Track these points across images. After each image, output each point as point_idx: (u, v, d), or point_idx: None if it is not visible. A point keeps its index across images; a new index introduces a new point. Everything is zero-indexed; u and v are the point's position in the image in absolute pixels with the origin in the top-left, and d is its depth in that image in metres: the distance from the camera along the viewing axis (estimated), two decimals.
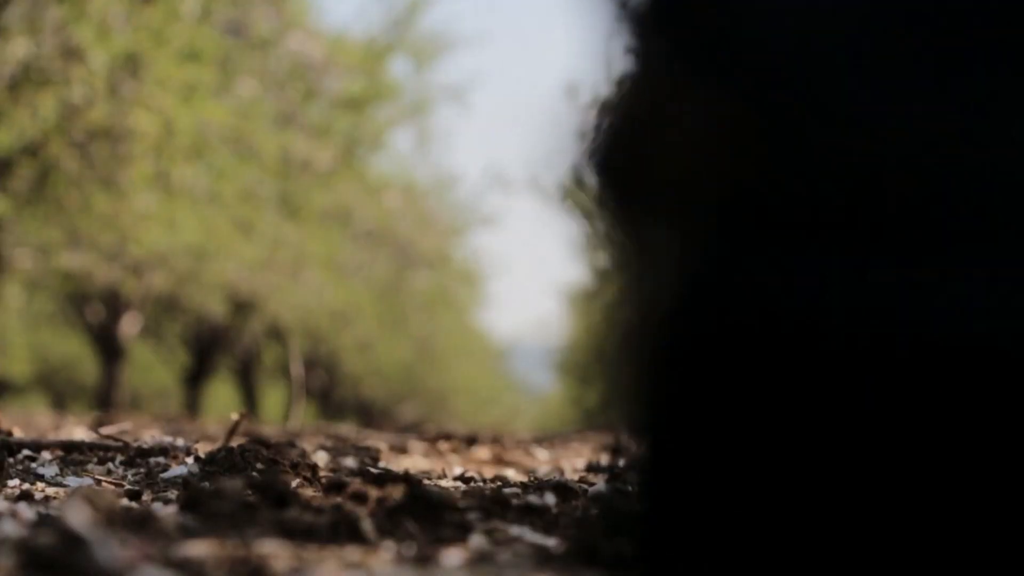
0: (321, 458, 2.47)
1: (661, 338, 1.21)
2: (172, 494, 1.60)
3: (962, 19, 1.05)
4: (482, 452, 3.12)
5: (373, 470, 2.13)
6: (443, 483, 2.01)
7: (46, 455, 2.09)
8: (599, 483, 1.93)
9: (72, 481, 1.86)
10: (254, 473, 1.75)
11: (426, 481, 2.03)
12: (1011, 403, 0.96)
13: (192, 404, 16.29)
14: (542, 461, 3.02)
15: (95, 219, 8.25)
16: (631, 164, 1.22)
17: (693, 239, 1.13)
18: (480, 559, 1.14)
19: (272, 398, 23.31)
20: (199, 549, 1.08)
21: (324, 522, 1.20)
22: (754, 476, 1.06)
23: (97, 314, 13.81)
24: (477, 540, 1.24)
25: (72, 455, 2.12)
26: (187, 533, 1.17)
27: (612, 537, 1.10)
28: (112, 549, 0.93)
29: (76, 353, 20.63)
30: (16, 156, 7.34)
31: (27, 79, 6.73)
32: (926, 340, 0.97)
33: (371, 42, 13.04)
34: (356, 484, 1.71)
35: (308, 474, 1.79)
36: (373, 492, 1.39)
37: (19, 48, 6.53)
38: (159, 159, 7.66)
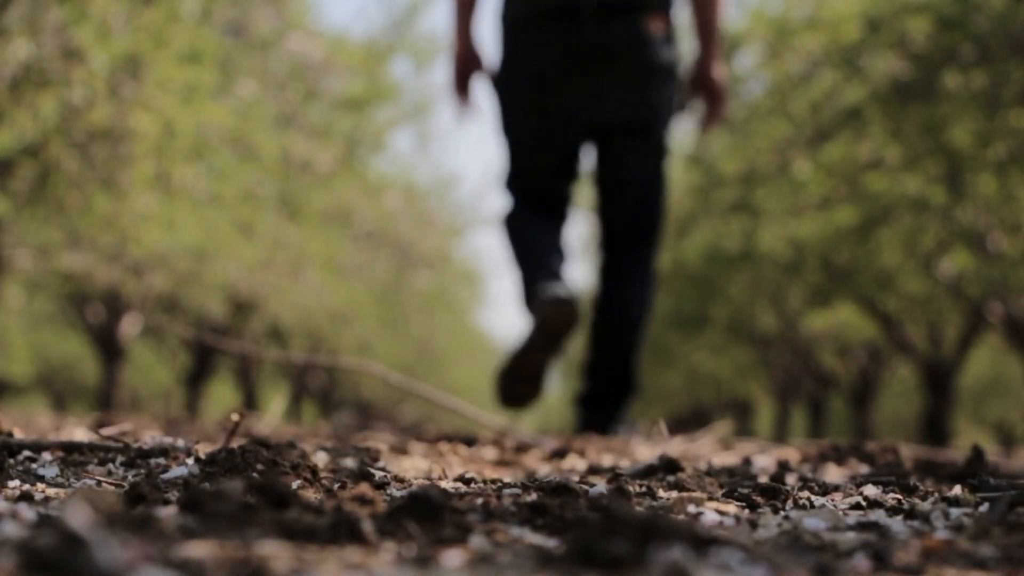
0: (321, 459, 2.47)
1: None
2: (172, 495, 1.60)
3: None
4: (482, 453, 3.12)
5: (373, 471, 2.13)
6: (443, 484, 2.01)
7: (46, 456, 2.09)
8: (599, 484, 1.93)
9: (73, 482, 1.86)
10: (254, 474, 1.75)
11: (426, 482, 2.03)
12: None
13: (192, 404, 16.30)
14: (543, 462, 3.03)
15: (95, 220, 8.25)
16: None
17: None
18: (480, 560, 1.14)
19: (272, 398, 23.27)
20: (199, 550, 1.08)
21: (324, 523, 1.20)
22: None
23: (97, 315, 13.81)
24: (477, 541, 1.24)
25: (73, 456, 2.12)
26: (187, 534, 1.17)
27: (612, 538, 1.11)
28: (112, 550, 0.93)
29: (76, 353, 20.65)
30: (17, 157, 7.34)
31: (28, 80, 6.74)
32: None
33: (371, 43, 13.05)
34: (357, 486, 1.71)
35: (308, 475, 1.79)
36: (373, 493, 1.39)
37: (20, 49, 6.54)
38: (159, 160, 7.67)
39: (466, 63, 4.21)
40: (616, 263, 4.10)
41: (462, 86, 4.26)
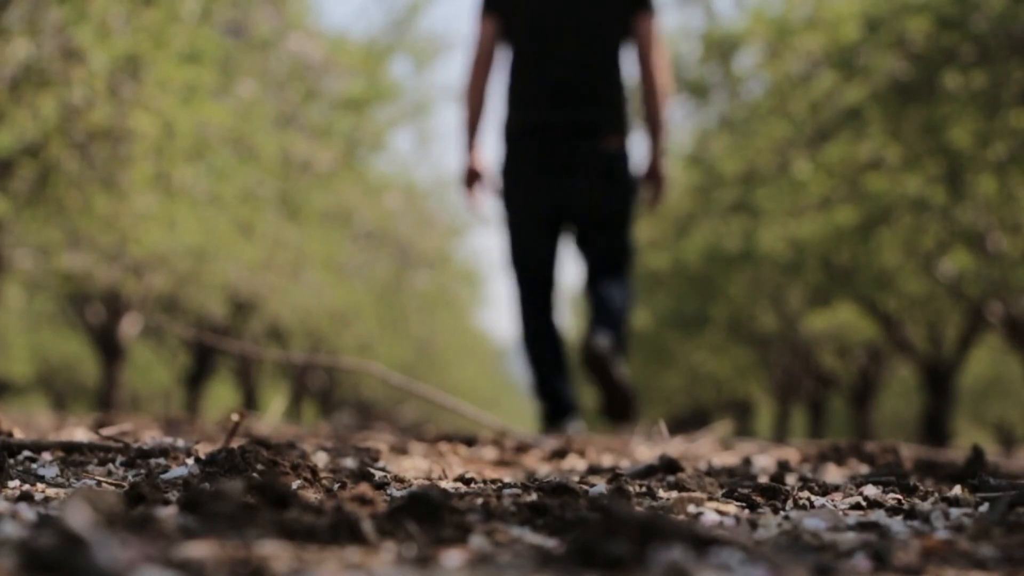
0: (321, 459, 2.47)
1: None
2: (172, 495, 1.60)
3: None
4: (482, 453, 3.12)
5: (373, 471, 2.13)
6: (443, 484, 2.01)
7: (46, 456, 2.09)
8: (599, 484, 1.93)
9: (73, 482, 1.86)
10: (254, 474, 1.75)
11: (426, 482, 2.03)
12: None
13: (192, 404, 16.29)
14: (543, 462, 3.03)
15: (95, 220, 8.25)
16: None
17: None
18: (480, 560, 1.14)
19: (272, 398, 23.25)
20: (199, 550, 1.08)
21: (324, 523, 1.20)
22: None
23: (97, 315, 13.81)
24: (477, 541, 1.24)
25: (73, 456, 2.12)
26: (187, 534, 1.17)
27: (612, 538, 1.11)
28: (113, 550, 0.93)
29: (76, 354, 20.63)
30: (17, 157, 7.34)
31: (27, 80, 6.73)
32: None
33: (371, 43, 13.04)
34: (357, 486, 1.70)
35: (308, 475, 1.79)
36: (373, 493, 1.39)
37: (20, 49, 6.53)
38: (159, 160, 7.66)
39: (472, 173, 5.34)
40: (597, 281, 5.17)
41: (470, 190, 5.41)
